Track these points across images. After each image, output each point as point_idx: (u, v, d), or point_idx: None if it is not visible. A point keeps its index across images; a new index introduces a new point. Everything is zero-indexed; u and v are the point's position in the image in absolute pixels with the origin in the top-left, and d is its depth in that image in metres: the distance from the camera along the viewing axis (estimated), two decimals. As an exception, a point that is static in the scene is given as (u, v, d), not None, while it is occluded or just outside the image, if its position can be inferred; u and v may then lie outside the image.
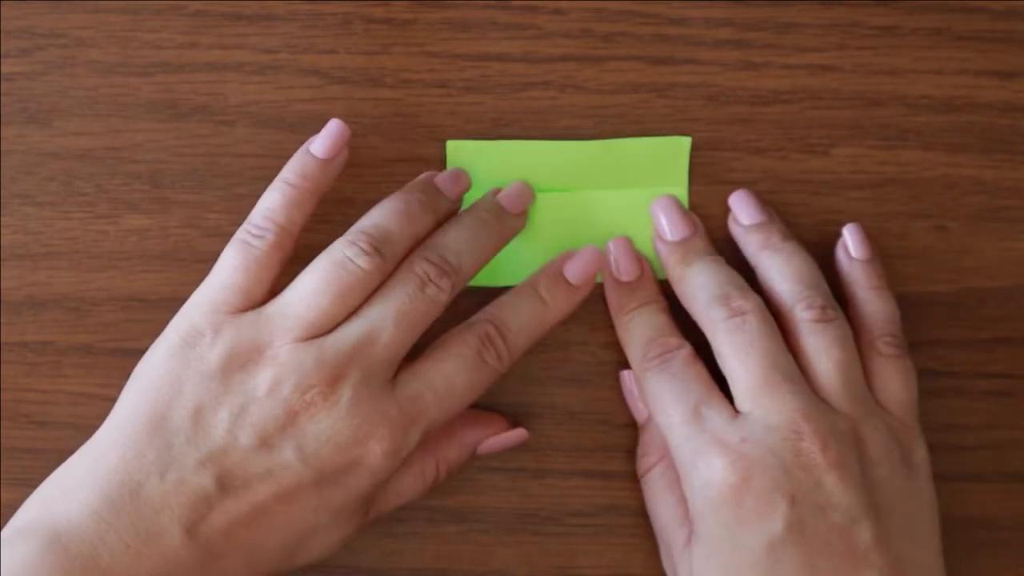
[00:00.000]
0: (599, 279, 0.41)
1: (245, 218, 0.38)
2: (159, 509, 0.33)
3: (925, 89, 0.41)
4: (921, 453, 0.38)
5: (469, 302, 0.39)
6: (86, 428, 0.39)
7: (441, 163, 0.41)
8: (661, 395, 0.38)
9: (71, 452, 0.35)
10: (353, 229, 0.37)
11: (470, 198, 0.40)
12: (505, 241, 0.40)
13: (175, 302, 0.37)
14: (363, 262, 0.36)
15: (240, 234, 0.37)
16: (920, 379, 0.39)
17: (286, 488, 0.35)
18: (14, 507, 0.35)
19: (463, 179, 0.40)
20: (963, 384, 0.42)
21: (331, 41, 0.41)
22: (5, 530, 0.34)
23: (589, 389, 0.41)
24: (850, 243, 0.40)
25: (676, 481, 0.39)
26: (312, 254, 0.37)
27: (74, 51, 0.41)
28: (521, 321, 0.38)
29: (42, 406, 0.41)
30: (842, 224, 0.41)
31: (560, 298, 0.39)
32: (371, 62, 0.41)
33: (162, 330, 0.36)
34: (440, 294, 0.37)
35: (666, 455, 0.39)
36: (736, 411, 0.37)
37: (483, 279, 0.40)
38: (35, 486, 0.35)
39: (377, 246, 0.36)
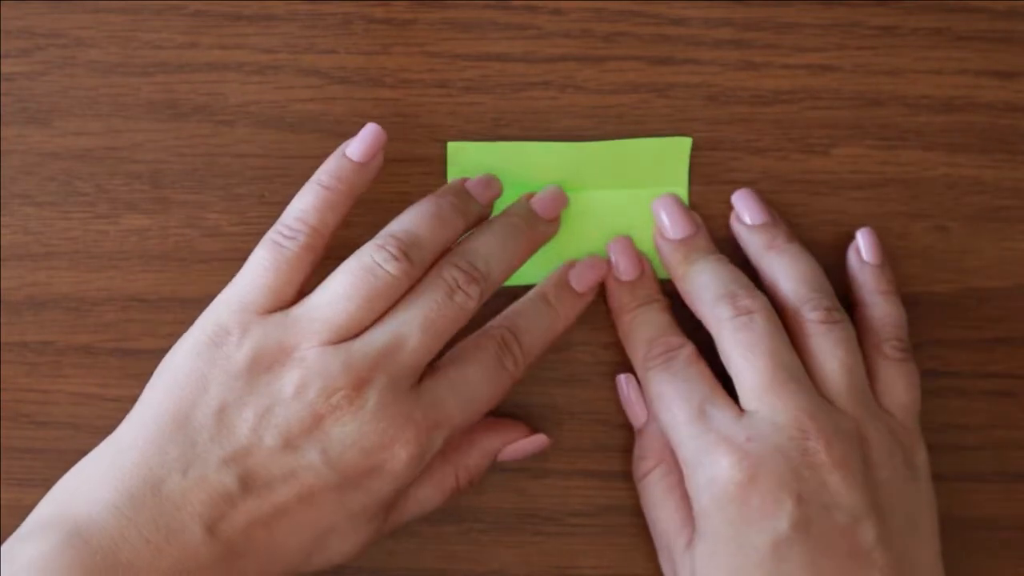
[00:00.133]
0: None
1: (245, 218, 0.38)
2: (180, 506, 0.33)
3: (925, 89, 0.41)
4: (922, 456, 0.38)
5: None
6: (86, 428, 0.39)
7: (441, 163, 0.41)
8: (665, 394, 0.38)
9: (71, 452, 0.35)
10: (383, 233, 0.37)
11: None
12: (536, 247, 0.40)
13: (175, 302, 0.37)
14: (392, 267, 0.36)
15: (271, 234, 0.37)
16: (920, 379, 0.39)
17: (308, 490, 0.35)
18: (14, 507, 0.35)
19: (494, 184, 0.40)
20: (963, 384, 0.42)
21: (331, 41, 0.41)
22: (25, 524, 0.34)
23: (589, 389, 0.41)
24: (862, 247, 0.40)
25: (676, 484, 0.39)
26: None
27: (74, 51, 0.41)
28: (534, 328, 0.39)
29: (42, 406, 0.41)
30: (842, 224, 0.41)
31: (567, 305, 0.40)
32: (371, 62, 0.41)
33: (161, 330, 0.36)
34: (468, 301, 0.36)
35: (665, 458, 0.39)
36: (740, 410, 0.37)
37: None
38: (35, 486, 0.35)
39: (406, 251, 0.36)
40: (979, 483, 0.41)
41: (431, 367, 0.37)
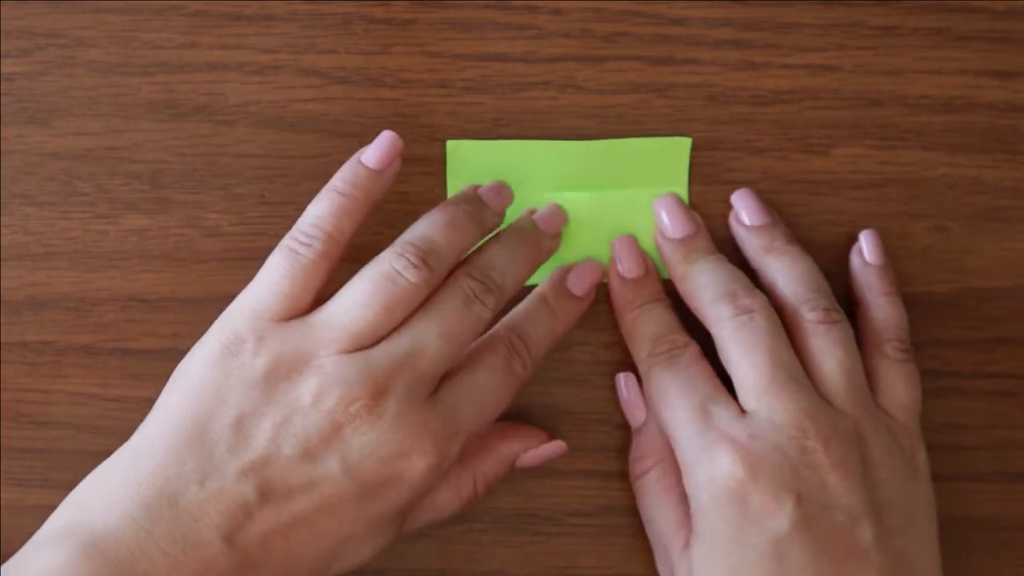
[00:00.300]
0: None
1: (245, 218, 0.38)
2: (198, 517, 0.33)
3: (925, 89, 0.41)
4: (921, 456, 0.38)
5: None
6: (86, 428, 0.39)
7: (441, 163, 0.41)
8: (667, 391, 0.38)
9: (71, 452, 0.35)
10: (400, 240, 0.37)
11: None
12: (542, 261, 0.40)
13: (175, 302, 0.37)
14: (411, 275, 0.36)
15: (287, 241, 0.36)
16: (920, 379, 0.39)
17: (327, 499, 0.34)
18: (14, 507, 0.35)
19: (505, 192, 0.40)
20: (963, 384, 0.42)
21: (331, 41, 0.41)
22: (41, 531, 0.34)
23: (589, 389, 0.42)
24: (865, 248, 0.40)
25: (675, 484, 0.39)
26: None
27: (74, 51, 0.41)
28: (538, 331, 0.39)
29: (42, 406, 0.41)
30: (842, 224, 0.41)
31: (567, 308, 0.40)
32: (371, 62, 0.41)
33: (162, 330, 0.36)
34: (485, 311, 0.36)
35: (664, 458, 0.39)
36: (742, 410, 0.37)
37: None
38: (35, 486, 0.35)
39: (425, 258, 0.36)
40: (979, 483, 0.41)
41: (444, 374, 0.37)
